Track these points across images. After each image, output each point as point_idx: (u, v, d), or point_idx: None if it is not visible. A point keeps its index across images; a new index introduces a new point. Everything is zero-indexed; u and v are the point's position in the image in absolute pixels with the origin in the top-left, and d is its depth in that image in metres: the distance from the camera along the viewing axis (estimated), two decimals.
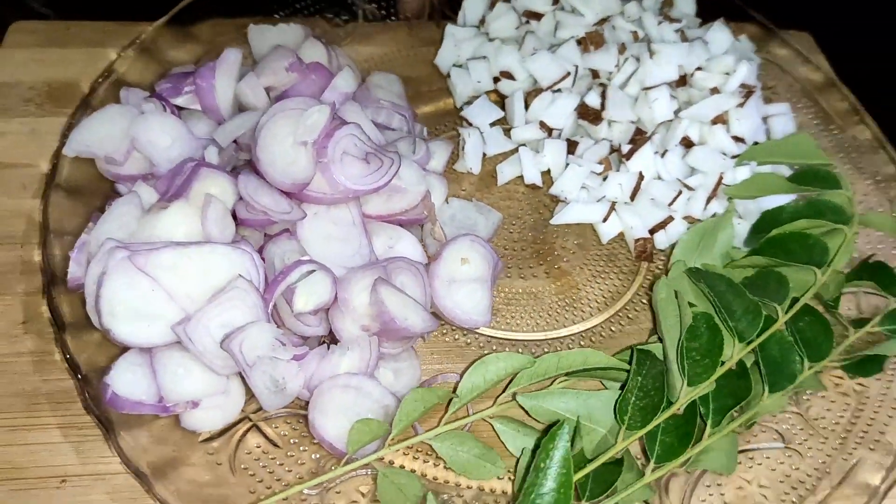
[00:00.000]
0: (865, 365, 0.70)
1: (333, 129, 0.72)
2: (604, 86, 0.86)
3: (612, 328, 0.77)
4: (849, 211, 0.75)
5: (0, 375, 0.69)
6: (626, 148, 0.83)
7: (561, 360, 0.65)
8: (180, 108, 0.79)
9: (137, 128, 0.73)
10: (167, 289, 0.63)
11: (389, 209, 0.75)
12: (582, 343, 0.75)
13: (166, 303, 0.63)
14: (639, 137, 0.83)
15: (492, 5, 0.96)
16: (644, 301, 0.79)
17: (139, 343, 0.63)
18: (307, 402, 0.66)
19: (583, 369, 0.65)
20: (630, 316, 0.78)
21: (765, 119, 0.88)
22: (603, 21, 0.90)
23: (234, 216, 0.70)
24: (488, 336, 0.75)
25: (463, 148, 0.86)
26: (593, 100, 0.86)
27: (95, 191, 0.76)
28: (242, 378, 0.65)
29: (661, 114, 0.84)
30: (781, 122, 0.89)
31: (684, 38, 0.89)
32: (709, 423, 0.62)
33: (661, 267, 0.81)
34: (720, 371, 0.63)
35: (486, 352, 0.73)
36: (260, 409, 0.66)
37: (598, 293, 0.79)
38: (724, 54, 0.86)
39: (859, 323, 0.72)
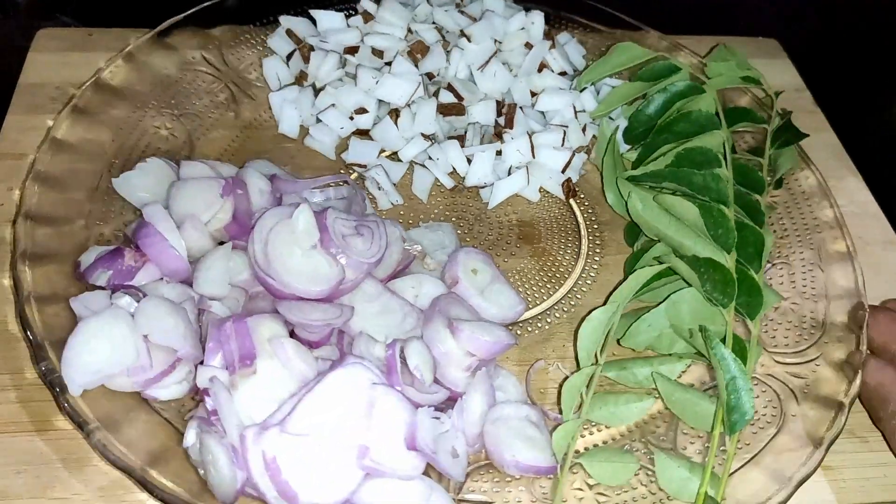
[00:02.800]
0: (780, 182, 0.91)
1: (322, 220, 0.73)
2: (449, 84, 0.94)
3: (584, 287, 0.86)
4: (697, 81, 0.93)
5: None
6: (501, 120, 0.93)
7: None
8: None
9: (144, 325, 0.66)
10: (327, 435, 0.61)
11: (389, 267, 0.78)
12: (565, 311, 0.83)
13: (334, 449, 0.61)
14: (509, 105, 0.93)
15: (288, 59, 0.98)
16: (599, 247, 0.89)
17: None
18: None
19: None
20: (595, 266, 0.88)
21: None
22: (409, 32, 0.98)
23: None
24: None
25: (379, 188, 0.89)
26: (448, 97, 0.93)
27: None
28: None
29: (505, 81, 0.96)
30: (573, 48, 1.04)
31: (472, 18, 1.00)
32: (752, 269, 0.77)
33: (586, 202, 0.93)
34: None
35: None
36: None
37: (560, 254, 0.89)
38: (516, 15, 0.99)
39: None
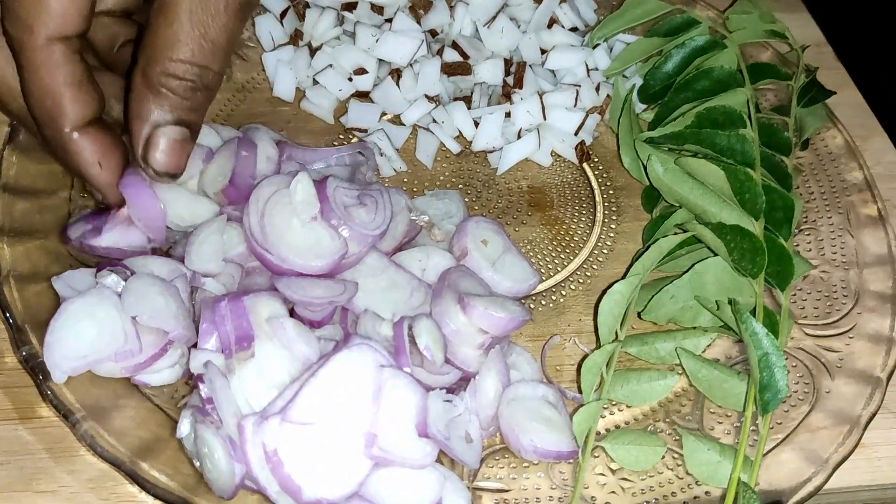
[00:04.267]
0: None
1: (323, 190, 0.67)
2: (453, 41, 0.89)
3: (601, 257, 0.81)
4: (717, 36, 0.87)
5: None
6: (511, 80, 0.88)
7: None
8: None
9: (132, 305, 0.61)
10: (333, 423, 0.56)
11: (395, 239, 0.73)
12: (580, 282, 0.78)
13: (340, 437, 0.57)
14: (517, 63, 0.88)
15: (282, 17, 0.92)
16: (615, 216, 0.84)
17: (335, 498, 0.56)
18: None
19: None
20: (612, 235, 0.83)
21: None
22: None
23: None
24: None
25: (381, 154, 0.83)
26: (453, 56, 0.88)
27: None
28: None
29: (513, 37, 0.90)
30: (584, 3, 0.98)
31: None
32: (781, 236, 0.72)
33: (601, 166, 0.88)
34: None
35: None
36: None
37: (574, 222, 0.84)
38: None
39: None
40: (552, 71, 0.91)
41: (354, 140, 0.86)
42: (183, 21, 0.57)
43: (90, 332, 0.60)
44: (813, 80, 0.88)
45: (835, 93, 0.87)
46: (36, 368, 0.61)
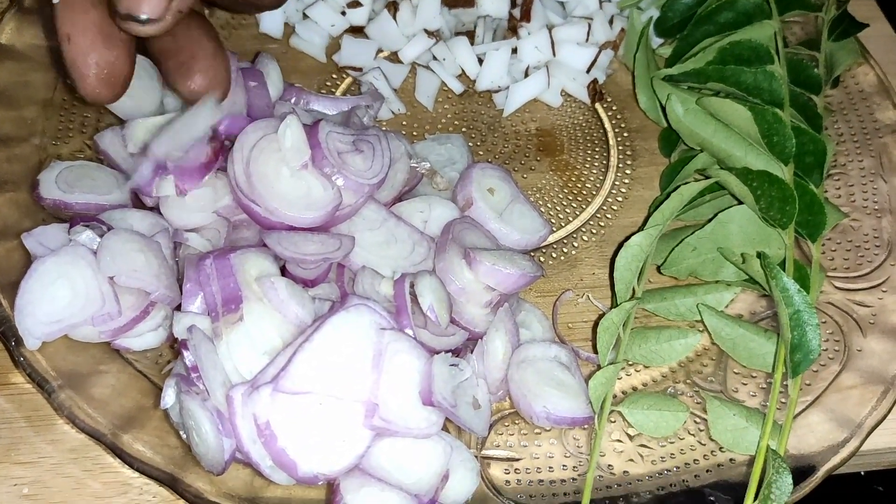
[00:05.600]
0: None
1: (314, 135, 0.62)
2: None
3: (615, 205, 0.75)
4: None
5: None
6: (517, 12, 0.81)
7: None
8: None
9: (109, 264, 0.56)
10: (330, 392, 0.52)
11: (394, 189, 0.67)
12: (593, 233, 0.73)
13: (338, 407, 0.52)
14: None
15: None
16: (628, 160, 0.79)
17: (333, 473, 0.52)
18: None
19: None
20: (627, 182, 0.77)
21: None
22: None
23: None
24: None
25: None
26: None
27: None
28: None
29: None
30: None
31: None
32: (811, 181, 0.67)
33: (614, 106, 0.82)
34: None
35: None
36: None
37: (586, 167, 0.78)
38: None
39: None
40: (562, 2, 0.84)
41: (348, 80, 0.80)
42: None
43: (64, 294, 0.56)
44: (844, 13, 0.81)
45: (867, 25, 0.81)
46: (7, 333, 0.56)
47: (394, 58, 0.82)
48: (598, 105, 0.82)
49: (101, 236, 0.58)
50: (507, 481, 0.58)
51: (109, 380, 0.57)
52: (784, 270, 0.62)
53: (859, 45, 0.82)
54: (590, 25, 0.81)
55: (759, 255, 0.62)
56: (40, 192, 0.63)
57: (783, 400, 0.60)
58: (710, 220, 0.66)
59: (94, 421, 0.53)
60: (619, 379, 0.63)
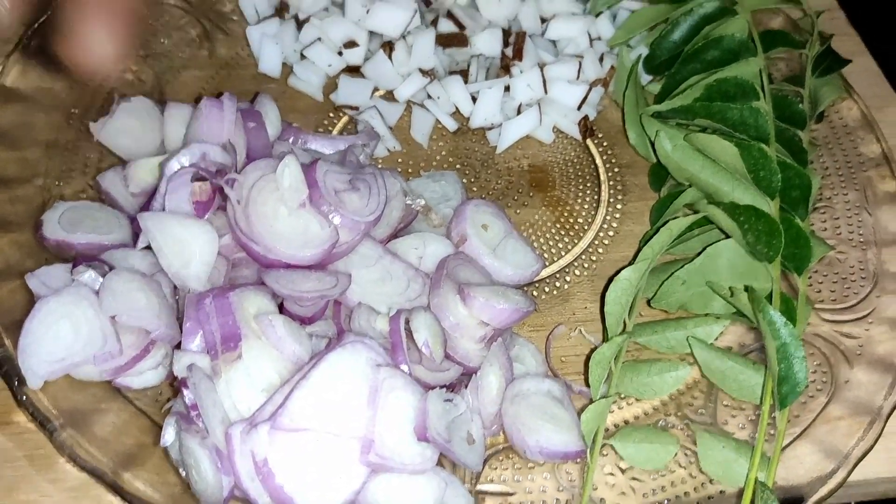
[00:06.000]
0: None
1: (312, 174, 0.63)
2: (448, 11, 0.84)
3: (606, 239, 0.77)
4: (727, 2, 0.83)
5: None
6: (509, 51, 0.83)
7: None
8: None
9: (111, 304, 0.57)
10: (327, 429, 0.53)
11: (389, 226, 0.69)
12: (585, 267, 0.75)
13: (335, 444, 0.53)
14: (517, 33, 0.83)
15: None
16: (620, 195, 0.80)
17: None
18: None
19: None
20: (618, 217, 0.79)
21: None
22: None
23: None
24: None
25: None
26: (448, 26, 0.83)
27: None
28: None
29: (511, 5, 0.85)
30: None
31: None
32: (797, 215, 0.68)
33: (605, 142, 0.84)
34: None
35: None
36: None
37: (578, 202, 0.80)
38: None
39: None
40: (553, 41, 0.87)
41: (345, 119, 0.81)
42: None
43: (67, 334, 0.57)
44: (828, 49, 0.83)
45: (850, 61, 0.83)
46: (10, 372, 0.57)
47: (389, 96, 0.84)
48: (589, 141, 0.83)
49: (103, 276, 0.59)
50: None
51: (110, 418, 0.58)
52: (771, 303, 0.63)
53: (843, 80, 0.84)
54: (580, 63, 0.83)
55: (746, 288, 0.64)
56: (43, 233, 0.65)
57: (771, 431, 0.61)
58: (698, 254, 0.68)
59: (95, 459, 0.54)
60: (610, 412, 0.64)
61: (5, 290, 0.61)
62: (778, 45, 0.83)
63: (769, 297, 0.65)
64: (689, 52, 0.80)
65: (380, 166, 0.78)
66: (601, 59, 0.85)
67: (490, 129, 0.82)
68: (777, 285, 0.65)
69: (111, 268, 0.60)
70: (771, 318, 0.60)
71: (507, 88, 0.83)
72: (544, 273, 0.73)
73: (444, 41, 0.83)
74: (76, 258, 0.62)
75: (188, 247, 0.60)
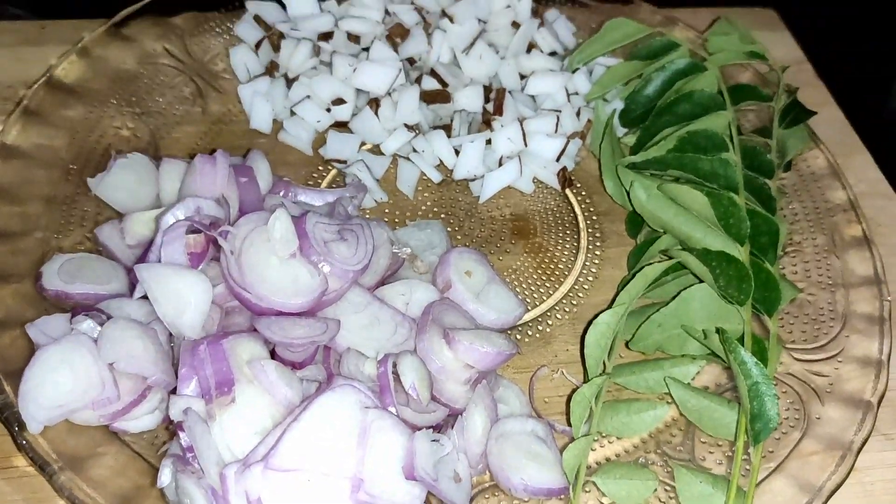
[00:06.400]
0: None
1: (302, 226, 0.66)
2: (432, 69, 0.88)
3: (586, 284, 0.80)
4: (698, 58, 0.87)
5: None
6: (490, 106, 0.87)
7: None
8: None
9: (109, 351, 0.59)
10: (317, 469, 0.55)
11: (377, 274, 0.72)
12: (566, 311, 0.77)
13: (325, 483, 0.55)
14: (497, 89, 0.87)
15: (257, 47, 0.91)
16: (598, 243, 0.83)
17: None
18: None
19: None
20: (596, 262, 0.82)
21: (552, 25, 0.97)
22: (386, 14, 0.91)
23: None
24: None
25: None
26: (431, 83, 0.87)
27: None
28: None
29: (492, 63, 0.89)
30: (562, 25, 0.98)
31: None
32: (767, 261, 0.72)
33: (583, 191, 0.88)
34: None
35: None
36: None
37: (558, 249, 0.83)
38: None
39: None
40: (532, 97, 0.91)
41: (333, 172, 0.85)
42: None
43: (66, 381, 0.59)
44: (794, 101, 0.88)
45: (816, 113, 0.87)
46: (11, 419, 0.59)
47: (376, 150, 0.87)
48: (567, 191, 0.87)
49: (101, 325, 0.62)
50: None
51: (108, 461, 0.60)
52: (742, 345, 0.66)
53: (810, 130, 0.88)
54: (558, 118, 0.87)
55: (717, 330, 0.66)
56: (43, 284, 0.67)
57: (747, 467, 0.63)
58: (673, 298, 0.70)
59: (93, 501, 0.56)
60: (593, 450, 0.67)
61: (6, 338, 0.63)
62: (746, 98, 0.87)
63: (741, 339, 0.68)
64: (662, 106, 0.85)
65: (367, 217, 0.80)
66: (578, 113, 0.89)
67: (473, 180, 0.86)
68: (748, 327, 0.68)
69: (109, 317, 0.63)
70: (742, 358, 0.63)
71: (488, 142, 0.86)
72: (527, 317, 0.76)
73: (428, 98, 0.87)
74: (75, 308, 0.65)
75: (183, 296, 0.63)
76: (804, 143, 0.86)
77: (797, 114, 0.87)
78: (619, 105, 0.89)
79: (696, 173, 0.75)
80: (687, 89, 0.85)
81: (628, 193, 0.78)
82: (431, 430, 0.61)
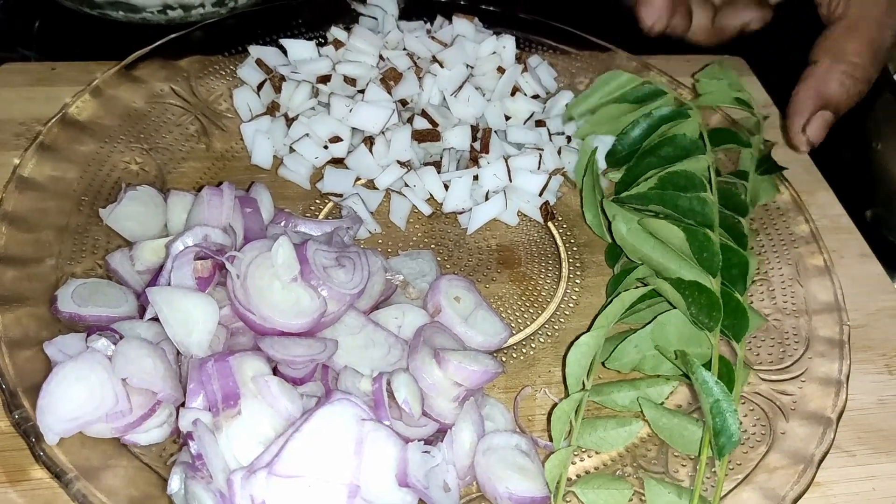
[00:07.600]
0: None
1: (302, 253, 0.71)
2: (423, 110, 0.94)
3: (567, 311, 0.85)
4: (684, 106, 0.93)
5: None
6: (478, 145, 0.93)
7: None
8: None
9: (122, 368, 0.64)
10: (317, 475, 0.59)
11: (372, 298, 0.77)
12: (548, 335, 0.82)
13: (325, 489, 0.59)
14: (483, 129, 0.93)
15: (259, 89, 0.97)
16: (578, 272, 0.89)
17: None
18: None
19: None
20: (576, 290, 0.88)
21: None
22: (381, 59, 0.97)
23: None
24: None
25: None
26: (422, 123, 0.93)
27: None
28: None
29: (479, 105, 0.95)
30: (544, 71, 1.04)
31: (443, 44, 0.99)
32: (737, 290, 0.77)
33: (565, 224, 0.93)
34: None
35: None
36: None
37: (541, 278, 0.88)
38: (487, 39, 0.99)
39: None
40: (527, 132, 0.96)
41: (329, 205, 0.90)
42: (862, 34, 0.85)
43: (82, 395, 0.63)
44: (768, 156, 0.93)
45: (787, 168, 0.93)
46: (28, 431, 0.63)
47: (370, 185, 0.92)
48: (550, 224, 0.92)
49: (114, 344, 0.66)
50: None
51: (119, 471, 0.63)
52: (710, 367, 0.71)
53: (780, 177, 0.94)
54: (540, 156, 0.92)
55: (680, 353, 0.71)
56: (58, 306, 0.71)
57: (716, 479, 0.68)
58: (649, 323, 0.76)
59: None
60: (574, 464, 0.71)
61: (23, 357, 0.67)
62: (726, 142, 0.93)
63: (710, 362, 0.73)
64: (646, 148, 0.91)
65: (362, 246, 0.85)
66: (559, 152, 0.95)
67: (461, 213, 0.91)
68: (716, 351, 0.73)
69: (121, 336, 0.67)
70: (703, 377, 0.68)
71: (475, 177, 0.92)
72: (512, 341, 0.81)
73: (419, 136, 0.93)
74: (89, 328, 0.69)
75: (192, 317, 0.67)
76: (773, 193, 0.92)
77: (769, 166, 0.93)
78: (601, 142, 0.95)
79: (675, 210, 0.80)
80: (670, 134, 0.90)
81: (608, 226, 0.83)
82: (423, 442, 0.65)
